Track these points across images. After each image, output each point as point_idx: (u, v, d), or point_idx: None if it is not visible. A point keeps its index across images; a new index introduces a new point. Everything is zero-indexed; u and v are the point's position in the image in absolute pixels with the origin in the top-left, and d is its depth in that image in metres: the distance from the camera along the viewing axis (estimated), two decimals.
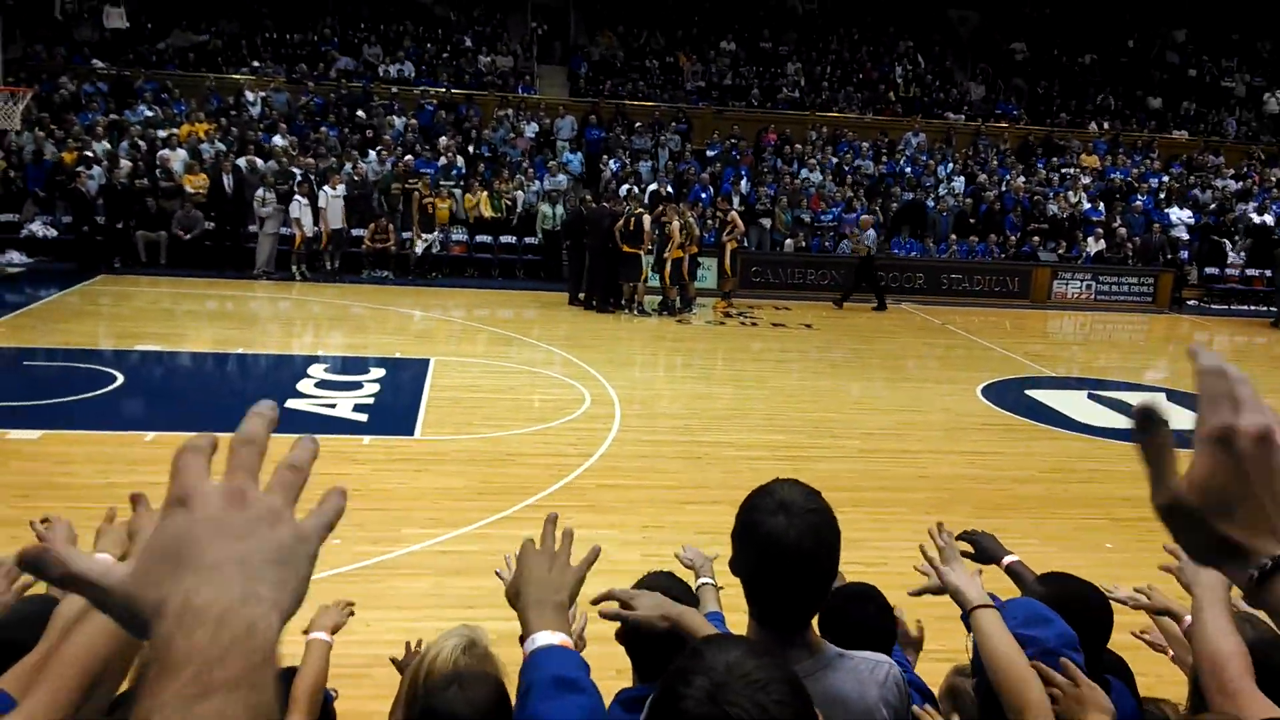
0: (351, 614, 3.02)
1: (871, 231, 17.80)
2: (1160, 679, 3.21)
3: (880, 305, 17.68)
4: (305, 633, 2.80)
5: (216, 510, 0.75)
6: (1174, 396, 12.27)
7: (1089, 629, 2.36)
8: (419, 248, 18.17)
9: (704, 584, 3.01)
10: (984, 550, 3.10)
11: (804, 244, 19.66)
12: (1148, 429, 0.85)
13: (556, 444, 9.18)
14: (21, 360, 11.52)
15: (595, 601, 2.06)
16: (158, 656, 0.67)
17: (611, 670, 2.45)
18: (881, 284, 17.91)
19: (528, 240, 18.99)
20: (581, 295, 16.38)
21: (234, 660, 0.66)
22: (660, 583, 2.79)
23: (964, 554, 3.13)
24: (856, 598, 2.84)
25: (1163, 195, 22.46)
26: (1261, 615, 0.85)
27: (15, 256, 16.84)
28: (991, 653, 2.14)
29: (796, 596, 1.89)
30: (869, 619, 2.76)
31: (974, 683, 2.34)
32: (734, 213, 17.74)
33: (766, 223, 19.58)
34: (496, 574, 3.12)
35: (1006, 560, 3.03)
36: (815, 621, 2.86)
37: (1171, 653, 2.82)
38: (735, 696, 1.25)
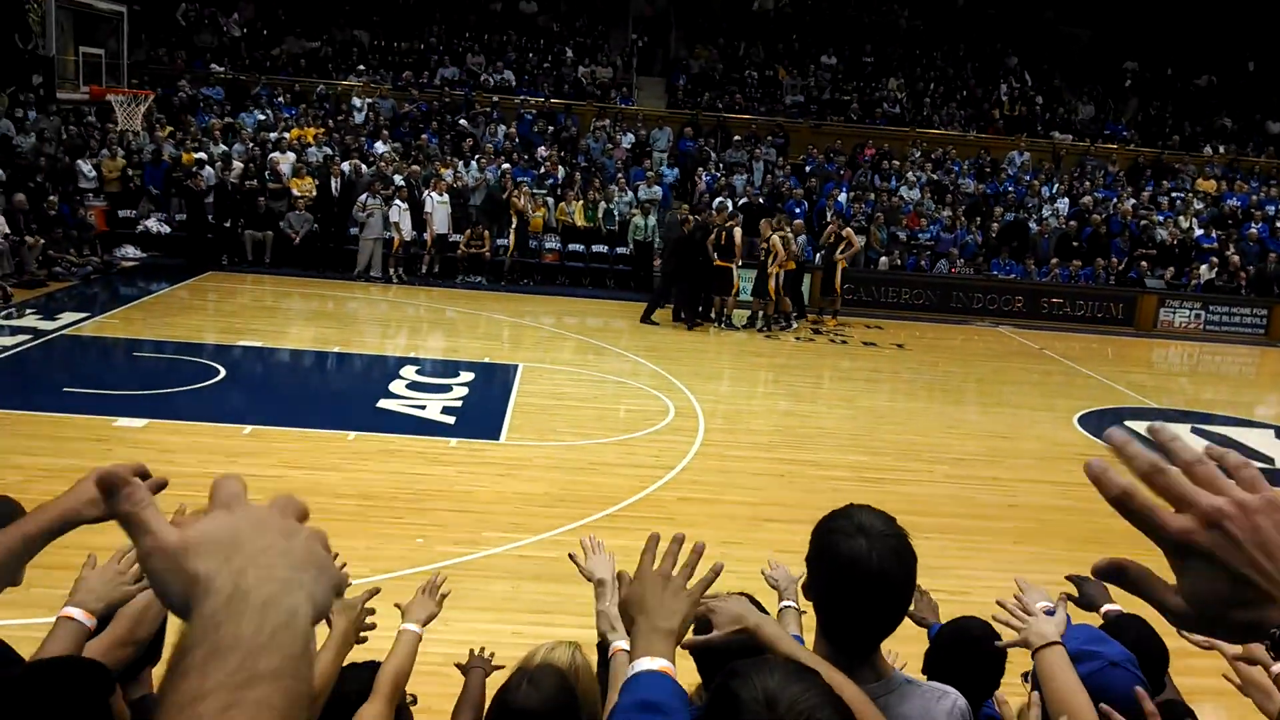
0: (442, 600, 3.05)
1: (804, 238, 16.75)
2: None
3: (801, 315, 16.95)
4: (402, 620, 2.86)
5: (261, 514, 0.79)
6: None
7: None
8: None
9: (786, 607, 2.97)
10: (1086, 596, 3.09)
11: (899, 262, 19.35)
12: (1120, 579, 0.89)
13: (639, 455, 9.20)
14: (131, 351, 12.02)
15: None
16: (206, 638, 0.69)
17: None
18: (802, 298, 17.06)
19: (619, 250, 19.09)
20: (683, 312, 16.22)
21: (277, 649, 0.69)
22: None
23: (1067, 595, 3.06)
24: (978, 640, 2.82)
25: None
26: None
27: (130, 251, 17.59)
28: (1053, 693, 2.12)
29: (872, 619, 1.89)
30: (979, 662, 2.74)
31: None
32: (849, 229, 17.48)
33: (861, 240, 19.32)
34: (570, 557, 3.13)
35: (1105, 608, 3.00)
36: (923, 653, 2.85)
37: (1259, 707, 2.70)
38: None
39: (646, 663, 1.59)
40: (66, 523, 1.60)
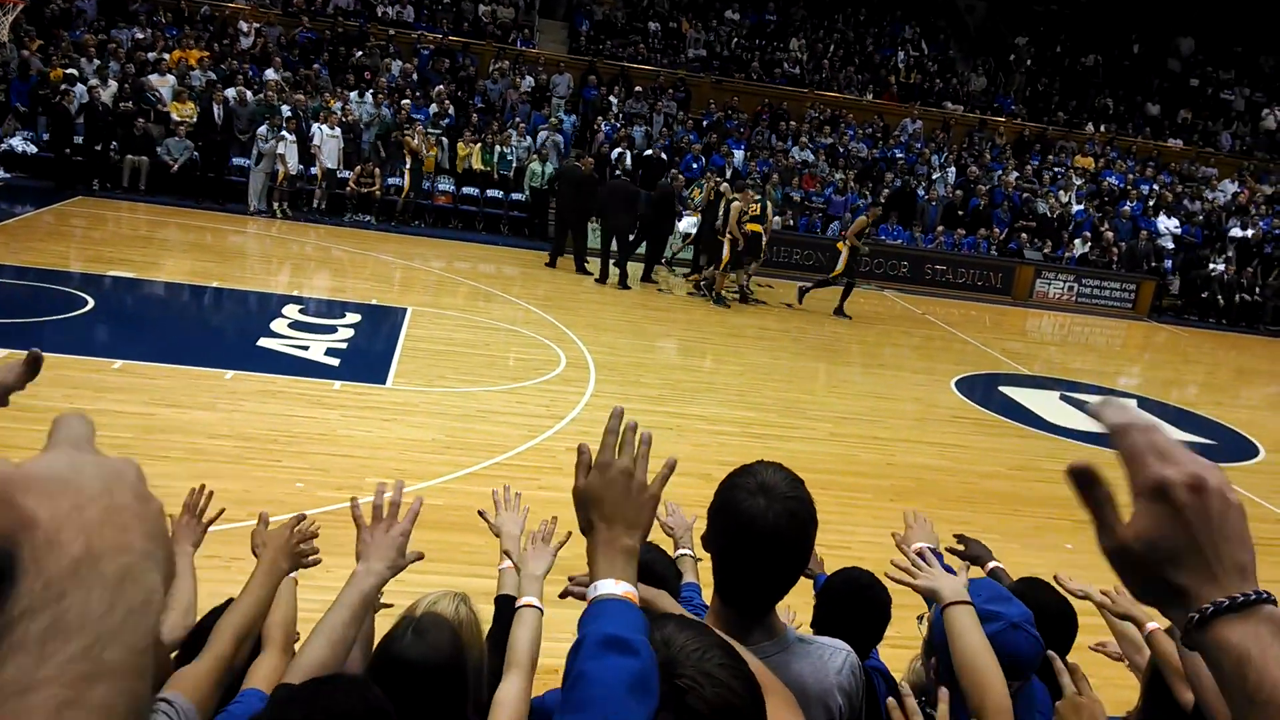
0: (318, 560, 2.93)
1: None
2: (1107, 681, 3.23)
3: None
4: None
5: (115, 465, 0.65)
6: (1145, 405, 12.35)
7: (1052, 637, 2.44)
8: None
9: (681, 555, 2.99)
10: (972, 552, 3.17)
11: (791, 223, 19.59)
12: (1086, 485, 0.90)
13: (528, 404, 9.13)
14: None
15: (562, 595, 2.10)
16: (46, 608, 0.56)
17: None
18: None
19: (514, 196, 18.81)
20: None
21: (127, 639, 0.57)
22: (646, 556, 2.78)
23: (951, 550, 3.15)
24: (866, 588, 2.89)
25: (1152, 203, 22.52)
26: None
27: None
28: (961, 650, 2.14)
29: (765, 579, 1.88)
30: (867, 611, 2.81)
31: (931, 663, 2.38)
32: (725, 185, 17.46)
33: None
34: (480, 514, 3.10)
35: (990, 565, 3.11)
36: (813, 603, 2.91)
37: (1127, 660, 2.84)
38: (681, 669, 1.34)
39: (609, 586, 1.41)
40: None
